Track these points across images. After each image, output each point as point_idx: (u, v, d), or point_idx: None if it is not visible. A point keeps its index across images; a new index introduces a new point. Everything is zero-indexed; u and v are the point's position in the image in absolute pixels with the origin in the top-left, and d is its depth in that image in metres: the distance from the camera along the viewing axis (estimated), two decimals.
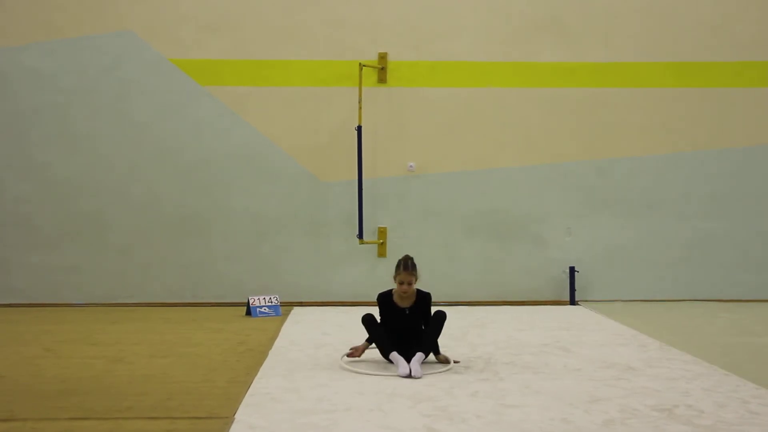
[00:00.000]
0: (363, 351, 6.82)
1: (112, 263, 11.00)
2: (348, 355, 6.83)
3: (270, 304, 10.00)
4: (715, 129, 11.31)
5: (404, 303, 6.71)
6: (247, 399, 5.61)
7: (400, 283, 6.60)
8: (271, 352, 7.40)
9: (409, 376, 6.15)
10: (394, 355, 6.46)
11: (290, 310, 10.35)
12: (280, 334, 8.51)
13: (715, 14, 11.29)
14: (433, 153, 11.19)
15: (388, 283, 11.00)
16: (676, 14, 11.28)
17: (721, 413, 5.20)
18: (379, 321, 6.76)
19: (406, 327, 6.69)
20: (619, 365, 6.78)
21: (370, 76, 11.14)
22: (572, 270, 11.11)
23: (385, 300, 6.77)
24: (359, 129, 10.93)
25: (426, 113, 11.20)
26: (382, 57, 11.14)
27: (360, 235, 10.98)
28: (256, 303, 9.92)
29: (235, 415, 5.17)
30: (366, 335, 6.82)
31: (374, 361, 6.89)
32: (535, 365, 6.80)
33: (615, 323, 9.22)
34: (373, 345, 6.79)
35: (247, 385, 6.03)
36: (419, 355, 6.40)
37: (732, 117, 11.30)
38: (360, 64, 10.97)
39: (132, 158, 11.01)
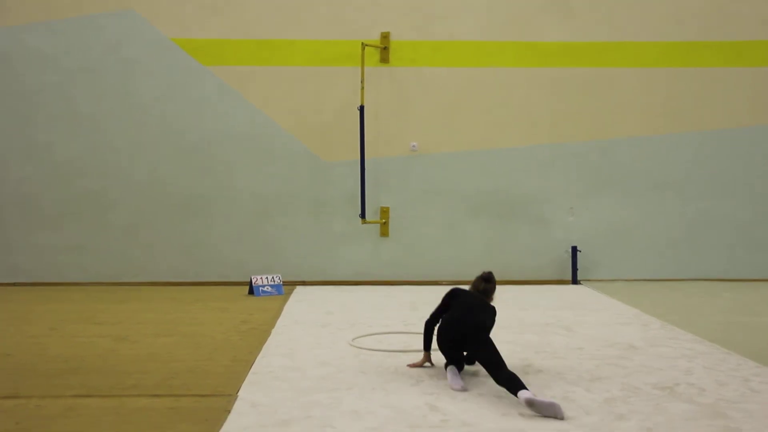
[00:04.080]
0: None
1: (116, 243, 11.02)
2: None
3: (273, 283, 10.02)
4: (719, 109, 11.27)
5: None
6: (250, 377, 5.64)
7: None
8: (273, 331, 7.43)
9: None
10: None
11: (293, 290, 10.38)
12: (283, 313, 8.54)
13: None
14: (436, 133, 11.17)
15: (390, 262, 11.09)
16: None
17: (722, 391, 5.23)
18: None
19: None
20: (620, 344, 6.80)
21: (373, 55, 11.10)
22: (575, 250, 11.12)
23: None
24: (362, 109, 10.90)
25: (429, 93, 11.17)
26: (385, 37, 11.10)
27: (362, 215, 10.99)
28: (259, 282, 9.95)
29: (238, 393, 5.20)
30: None
31: (379, 341, 6.92)
32: (538, 344, 6.83)
33: (617, 302, 9.24)
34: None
35: (250, 364, 6.06)
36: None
37: (736, 97, 11.25)
38: (362, 43, 10.93)
39: (135, 138, 11.01)
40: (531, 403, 4.67)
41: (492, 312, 5.80)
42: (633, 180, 11.29)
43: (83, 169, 10.98)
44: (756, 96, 11.26)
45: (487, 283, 5.92)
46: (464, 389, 5.29)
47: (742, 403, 4.96)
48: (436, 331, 5.79)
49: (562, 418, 4.56)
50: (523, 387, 4.82)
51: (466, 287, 6.00)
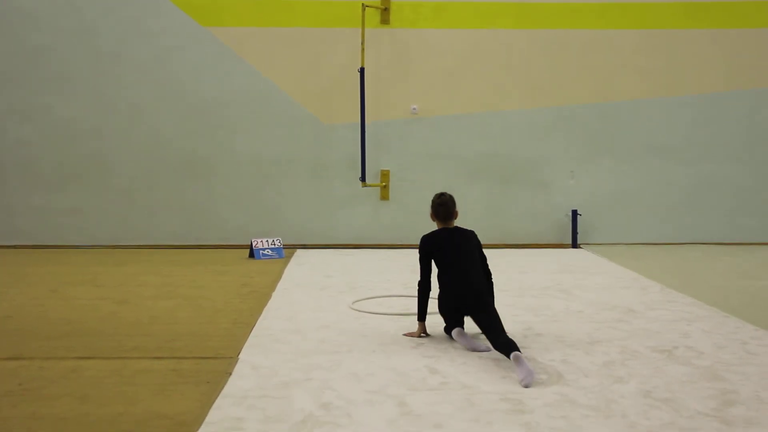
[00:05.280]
0: None
1: (115, 206, 11.01)
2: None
3: (273, 246, 10.04)
4: (721, 71, 11.20)
5: None
6: (251, 340, 5.67)
7: None
8: (274, 294, 7.46)
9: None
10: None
11: (293, 253, 10.40)
12: (283, 276, 8.56)
13: None
14: (437, 96, 11.11)
15: (390, 226, 11.11)
16: None
17: (720, 354, 5.26)
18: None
19: None
20: (620, 308, 6.83)
21: (373, 17, 11.00)
22: (575, 213, 11.12)
23: None
24: (362, 71, 10.83)
25: (429, 55, 11.09)
26: None
27: (363, 178, 10.97)
28: (260, 245, 9.96)
29: (239, 356, 5.23)
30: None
31: (378, 304, 6.95)
32: (537, 307, 6.85)
33: (617, 266, 9.26)
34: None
35: (251, 327, 6.09)
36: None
37: (739, 59, 11.17)
38: (363, 4, 10.82)
39: (133, 100, 10.95)
40: (517, 360, 4.72)
41: (473, 240, 5.82)
42: (633, 143, 11.25)
43: (83, 131, 10.93)
44: (757, 58, 11.18)
45: (444, 207, 5.83)
46: (476, 349, 5.33)
47: (740, 365, 4.99)
48: (437, 298, 5.72)
49: (525, 386, 4.54)
50: (517, 349, 4.86)
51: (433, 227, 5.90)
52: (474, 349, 5.34)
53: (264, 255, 9.93)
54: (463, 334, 5.51)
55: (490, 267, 5.87)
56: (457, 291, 5.55)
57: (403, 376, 4.75)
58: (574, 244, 11.11)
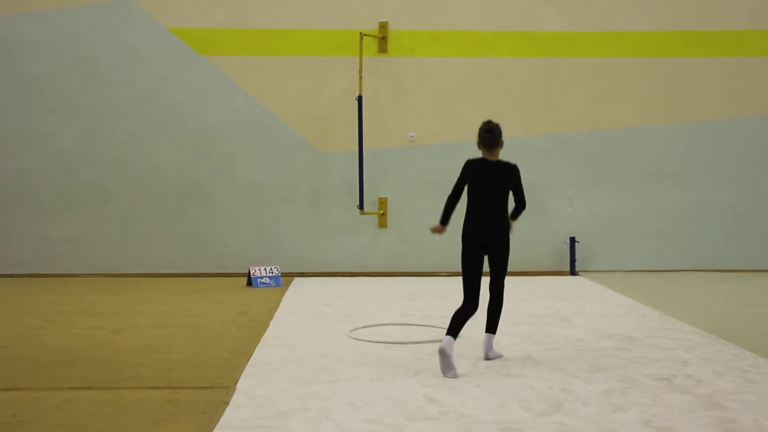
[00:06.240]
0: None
1: (113, 234, 10.99)
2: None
3: (271, 274, 10.01)
4: (719, 99, 11.24)
5: None
6: (249, 369, 5.64)
7: None
8: (272, 323, 7.43)
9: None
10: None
11: (291, 281, 10.37)
12: (281, 304, 8.53)
13: None
14: (434, 123, 11.14)
15: (388, 253, 11.09)
16: None
17: (720, 382, 5.23)
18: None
19: None
20: (618, 335, 6.80)
21: (371, 45, 11.06)
22: (573, 240, 11.11)
23: None
24: (360, 99, 10.87)
25: (427, 83, 11.14)
26: (383, 26, 11.06)
27: (360, 206, 10.97)
28: (257, 273, 9.94)
29: (237, 385, 5.19)
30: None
31: (375, 332, 6.93)
32: (536, 336, 6.83)
33: (615, 294, 9.24)
34: None
35: (249, 355, 6.05)
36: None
37: (737, 87, 11.22)
38: (360, 33, 10.89)
39: (132, 128, 10.97)
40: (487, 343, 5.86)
41: (511, 175, 6.14)
42: (631, 170, 11.27)
43: (81, 159, 10.94)
44: (754, 86, 11.23)
45: (491, 133, 6.13)
46: (456, 376, 5.35)
47: (740, 394, 4.96)
48: (461, 235, 6.00)
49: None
50: (491, 331, 5.89)
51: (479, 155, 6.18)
52: (449, 376, 5.36)
53: (262, 283, 9.90)
54: (449, 349, 5.43)
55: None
56: (474, 223, 5.96)
57: (402, 405, 4.72)
58: (572, 272, 11.09)
